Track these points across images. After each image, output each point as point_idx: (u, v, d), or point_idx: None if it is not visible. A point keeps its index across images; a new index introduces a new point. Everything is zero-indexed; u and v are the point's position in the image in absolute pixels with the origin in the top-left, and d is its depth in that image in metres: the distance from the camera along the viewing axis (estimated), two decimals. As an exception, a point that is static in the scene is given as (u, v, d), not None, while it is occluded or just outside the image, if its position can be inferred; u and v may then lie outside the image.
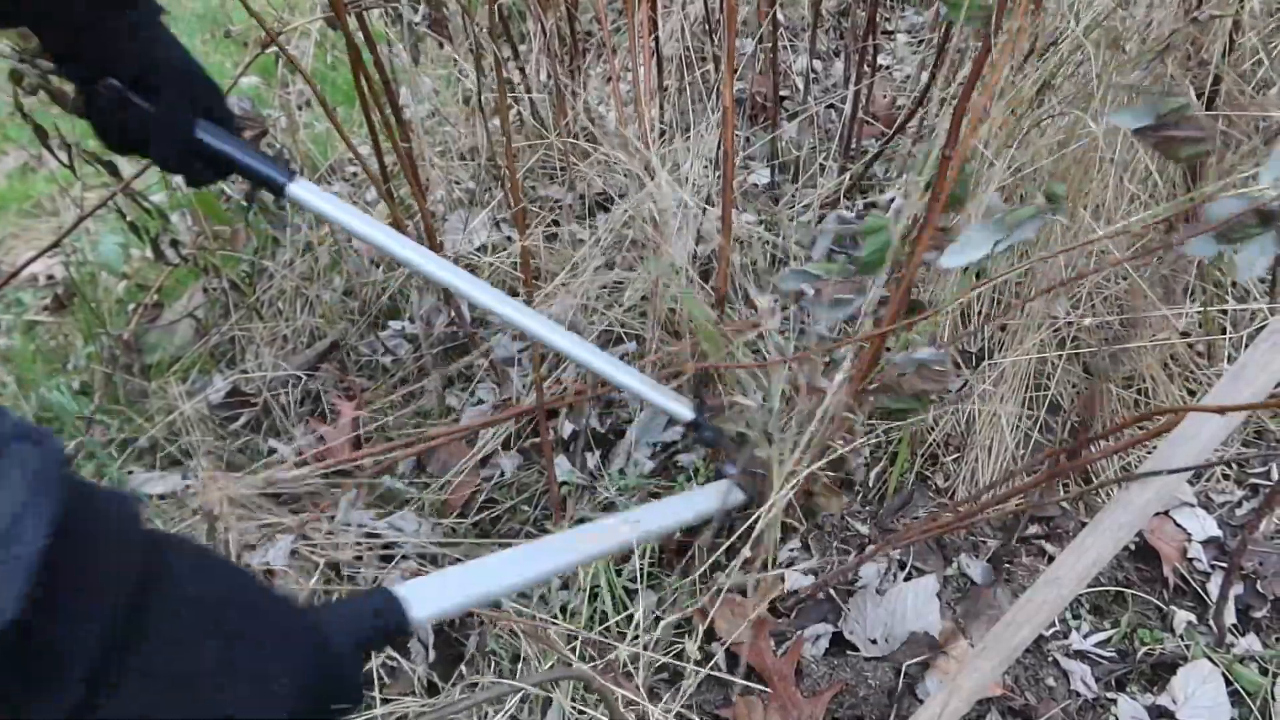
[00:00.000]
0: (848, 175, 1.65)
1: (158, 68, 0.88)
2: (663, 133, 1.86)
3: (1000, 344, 1.31)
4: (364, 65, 1.29)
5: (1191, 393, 1.38)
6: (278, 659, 0.45)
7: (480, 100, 1.88)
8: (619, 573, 1.20)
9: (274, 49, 1.40)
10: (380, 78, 1.32)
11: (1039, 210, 0.89)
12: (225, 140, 0.93)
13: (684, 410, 1.16)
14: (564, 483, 1.36)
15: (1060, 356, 1.28)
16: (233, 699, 0.42)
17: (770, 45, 1.86)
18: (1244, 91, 1.04)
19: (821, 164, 1.97)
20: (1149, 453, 1.33)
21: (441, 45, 1.72)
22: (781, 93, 2.22)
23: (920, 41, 2.50)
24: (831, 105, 2.24)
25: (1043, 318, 1.27)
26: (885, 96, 2.20)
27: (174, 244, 1.43)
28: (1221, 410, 0.69)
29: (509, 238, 1.69)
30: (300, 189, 0.97)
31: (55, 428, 1.53)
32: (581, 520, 1.33)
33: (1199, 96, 1.09)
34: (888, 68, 2.36)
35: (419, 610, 0.60)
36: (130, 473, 1.39)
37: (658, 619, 1.11)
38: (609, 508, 1.31)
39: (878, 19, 1.78)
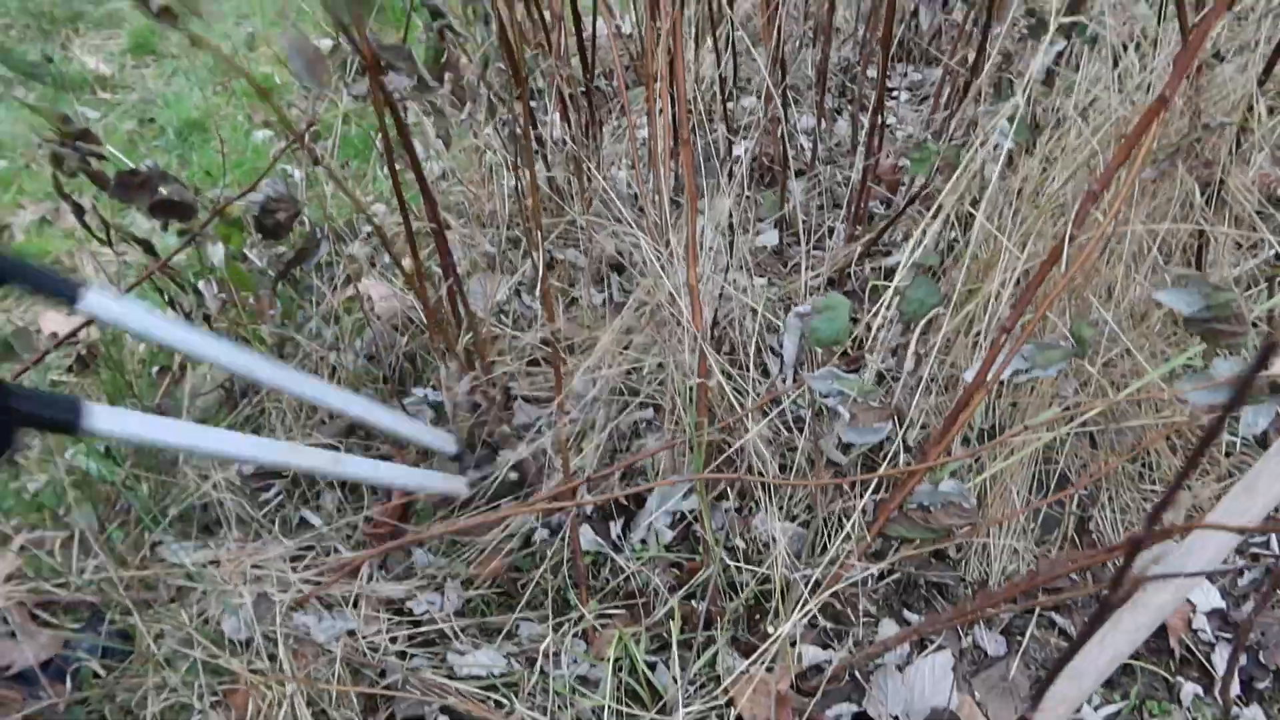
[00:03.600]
0: (857, 246, 1.70)
1: None
2: (674, 201, 1.91)
3: (1011, 420, 1.35)
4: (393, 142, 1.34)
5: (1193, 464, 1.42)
6: None
7: (494, 161, 1.93)
8: (636, 640, 1.25)
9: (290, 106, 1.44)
10: (412, 164, 1.37)
11: (1066, 353, 0.95)
12: (7, 263, 0.91)
13: (447, 446, 1.31)
14: (587, 552, 1.40)
15: (1069, 433, 1.33)
16: None
17: (778, 105, 1.91)
18: (1248, 190, 1.10)
19: (829, 226, 2.03)
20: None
21: (459, 107, 1.76)
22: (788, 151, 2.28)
23: (922, 99, 2.56)
24: (834, 162, 2.30)
25: (1051, 397, 1.32)
26: (888, 157, 2.26)
27: (206, 318, 1.46)
28: (1236, 530, 0.74)
29: (530, 306, 1.74)
30: (96, 301, 0.96)
31: (85, 495, 1.56)
32: (604, 591, 1.36)
33: (1203, 193, 1.14)
34: (890, 126, 2.42)
35: (96, 422, 0.72)
36: (159, 543, 1.42)
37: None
38: (630, 583, 1.35)
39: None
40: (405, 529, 1.38)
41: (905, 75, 2.64)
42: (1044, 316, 1.09)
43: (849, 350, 1.42)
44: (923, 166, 1.33)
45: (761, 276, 1.93)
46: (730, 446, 1.34)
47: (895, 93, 2.57)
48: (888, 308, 1.20)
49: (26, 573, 1.39)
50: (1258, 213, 1.14)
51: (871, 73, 2.63)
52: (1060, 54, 1.21)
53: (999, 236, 1.21)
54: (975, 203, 1.30)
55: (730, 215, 2.01)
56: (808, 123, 2.40)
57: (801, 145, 2.31)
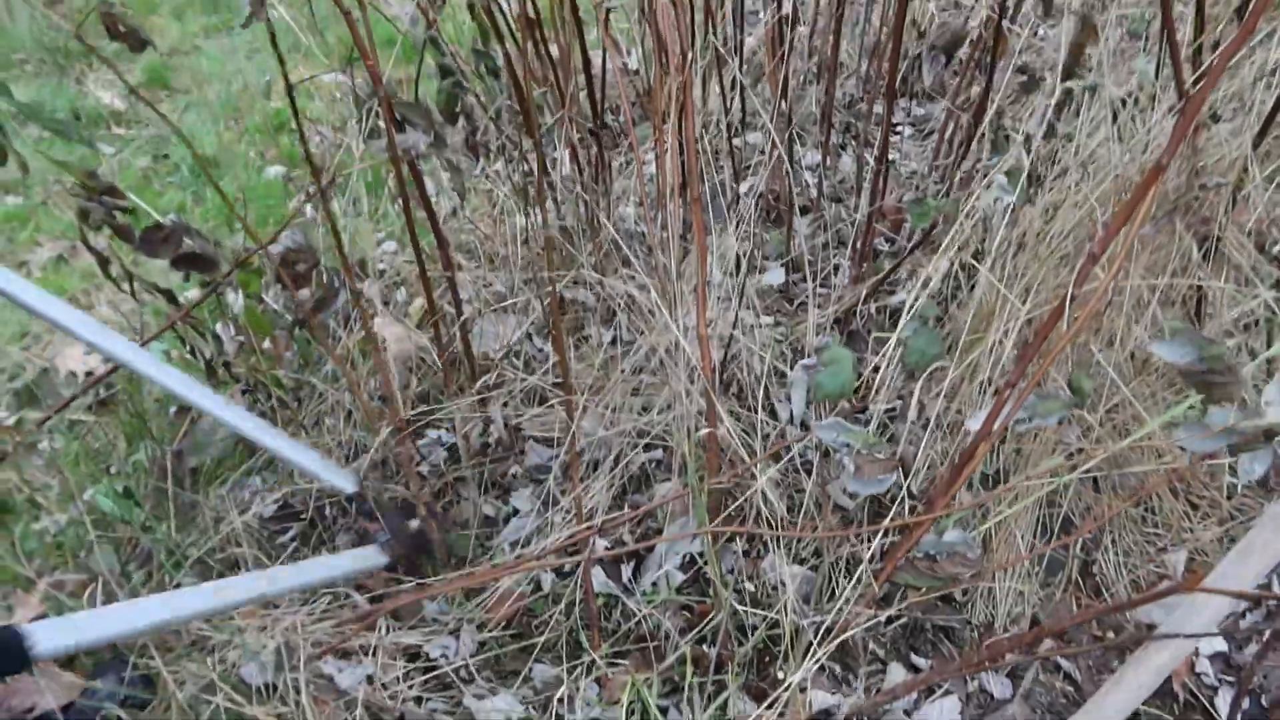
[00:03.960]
0: (862, 289, 1.73)
1: None
2: (683, 238, 1.94)
3: (1016, 466, 1.38)
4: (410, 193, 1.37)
5: (1194, 507, 1.45)
6: None
7: (506, 204, 1.97)
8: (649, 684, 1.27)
9: (301, 135, 1.47)
10: (429, 217, 1.40)
11: (1067, 404, 0.98)
12: None
13: (346, 483, 1.33)
14: (599, 594, 1.42)
15: (1073, 479, 1.35)
16: None
17: (782, 145, 1.94)
18: (1244, 247, 1.13)
19: (835, 264, 2.06)
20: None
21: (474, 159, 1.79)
22: (793, 189, 2.31)
23: (926, 134, 2.60)
24: (839, 199, 2.33)
25: (1054, 443, 1.34)
26: (892, 193, 2.29)
27: (225, 365, 1.49)
28: (1233, 594, 0.76)
29: (540, 348, 1.77)
30: None
31: (107, 534, 1.59)
32: (616, 634, 1.39)
33: (1200, 248, 1.17)
34: (894, 162, 2.46)
35: (44, 646, 0.68)
36: (179, 585, 1.44)
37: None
38: (641, 626, 1.37)
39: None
40: (409, 580, 1.40)
41: (909, 111, 2.68)
42: (1046, 372, 1.12)
43: (852, 401, 1.44)
44: (924, 220, 1.37)
45: (768, 316, 1.96)
46: (740, 496, 1.37)
47: (899, 127, 2.61)
48: (891, 361, 1.23)
49: (49, 615, 1.42)
50: (1253, 268, 1.17)
51: (876, 107, 2.67)
52: (1060, 107, 1.25)
53: (1000, 289, 1.24)
54: (978, 255, 1.33)
55: (737, 255, 2.04)
56: (813, 159, 2.44)
57: (806, 182, 2.34)
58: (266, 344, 1.59)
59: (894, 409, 1.42)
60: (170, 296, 1.44)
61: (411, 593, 1.32)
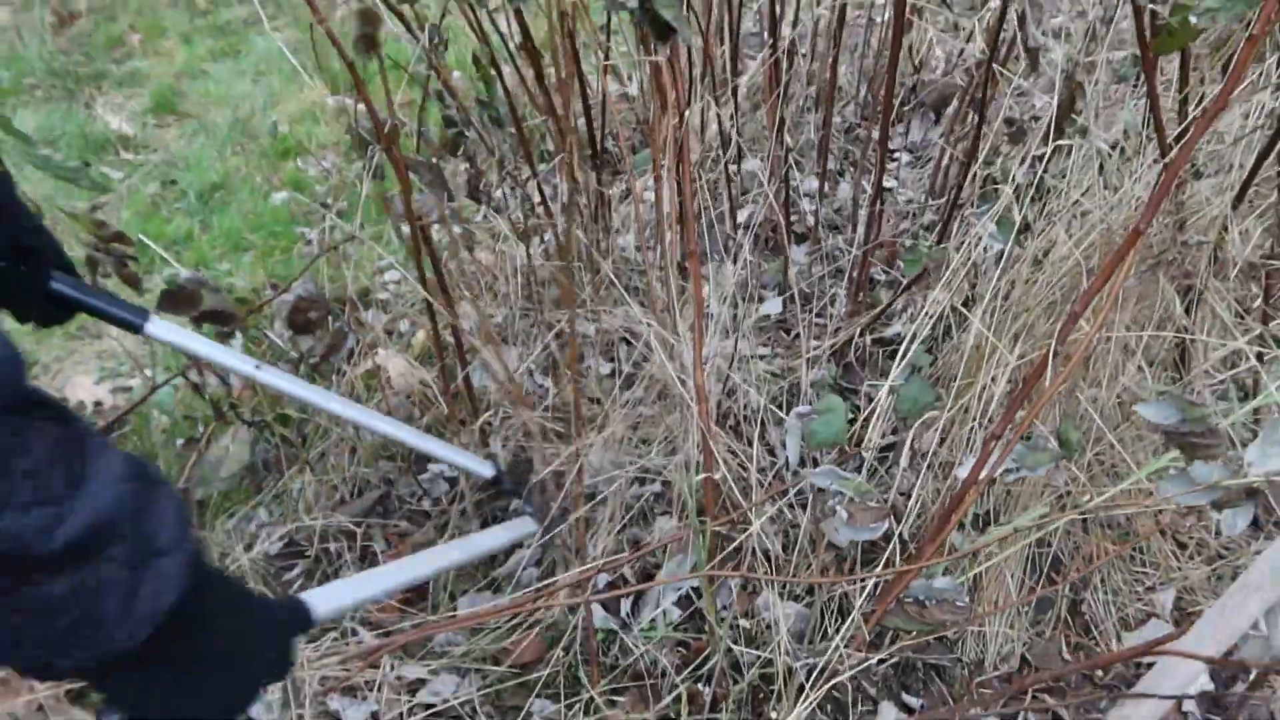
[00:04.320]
0: (856, 326, 1.75)
1: (18, 233, 0.94)
2: (681, 268, 1.97)
3: (1006, 506, 1.41)
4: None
5: (1182, 546, 1.48)
6: (266, 641, 0.68)
7: (506, 237, 2.00)
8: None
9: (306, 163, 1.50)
10: (432, 263, 1.44)
11: (1053, 455, 1.01)
12: (78, 289, 1.01)
13: (484, 469, 1.44)
14: (598, 629, 1.45)
15: (1063, 521, 1.38)
16: (243, 664, 0.64)
17: (780, 169, 1.97)
18: (1225, 300, 1.16)
19: (832, 294, 2.09)
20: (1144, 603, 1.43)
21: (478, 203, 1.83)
22: (790, 217, 2.34)
23: (925, 161, 2.62)
24: (836, 227, 2.36)
25: (1044, 485, 1.37)
26: (890, 222, 2.32)
27: (232, 406, 1.53)
28: (1205, 660, 0.79)
29: (540, 384, 1.80)
30: (159, 327, 1.07)
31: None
32: (613, 669, 1.42)
33: (1182, 299, 1.20)
34: (891, 190, 2.49)
35: (321, 609, 0.82)
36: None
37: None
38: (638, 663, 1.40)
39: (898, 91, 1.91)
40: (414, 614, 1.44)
41: (906, 135, 2.70)
42: (1032, 422, 1.15)
43: (846, 448, 1.47)
44: (916, 266, 1.40)
45: (766, 347, 1.99)
46: (737, 536, 1.40)
47: (896, 154, 2.64)
48: (884, 406, 1.26)
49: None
50: (1237, 316, 1.19)
51: (875, 133, 2.69)
52: (1047, 158, 1.27)
53: (989, 336, 1.27)
54: (969, 302, 1.36)
55: (735, 285, 2.07)
56: (811, 185, 2.46)
57: (804, 210, 2.37)
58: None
59: (887, 453, 1.44)
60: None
61: (414, 630, 1.35)
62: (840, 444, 1.22)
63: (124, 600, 0.50)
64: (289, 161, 2.84)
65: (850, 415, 1.74)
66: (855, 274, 1.99)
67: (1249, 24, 1.11)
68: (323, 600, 0.86)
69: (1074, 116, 1.27)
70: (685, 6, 1.09)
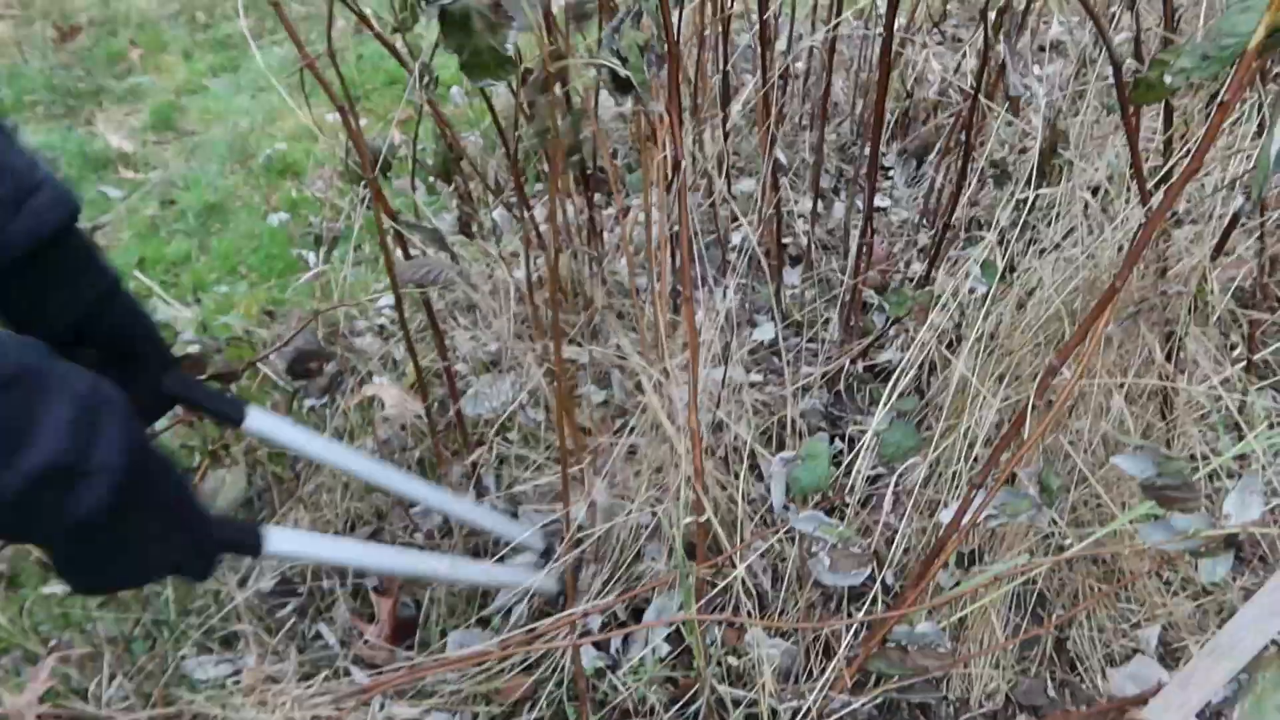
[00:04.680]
0: (845, 359, 1.76)
1: (133, 339, 0.97)
2: (675, 293, 1.98)
3: (991, 546, 1.42)
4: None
5: (1167, 583, 1.49)
6: (190, 533, 0.79)
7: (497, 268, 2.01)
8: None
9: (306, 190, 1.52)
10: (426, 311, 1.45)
11: (1033, 503, 1.02)
12: (185, 387, 1.04)
13: (537, 542, 1.49)
14: (588, 668, 1.46)
15: (1045, 566, 1.39)
16: (168, 543, 0.77)
17: (771, 194, 1.97)
18: (1205, 347, 1.16)
19: (825, 320, 2.10)
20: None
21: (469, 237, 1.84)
22: (784, 240, 2.35)
23: (919, 179, 2.62)
24: (831, 248, 2.37)
25: (1029, 526, 1.38)
26: (885, 243, 2.33)
27: (225, 448, 1.54)
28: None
29: (533, 418, 1.81)
30: (257, 420, 1.09)
31: (112, 596, 1.65)
32: (603, 706, 1.43)
33: (1163, 346, 1.21)
34: (885, 209, 2.49)
35: (275, 545, 0.89)
36: (184, 656, 1.49)
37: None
38: (626, 701, 1.41)
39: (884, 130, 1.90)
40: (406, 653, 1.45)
41: (904, 152, 2.70)
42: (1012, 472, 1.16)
43: (829, 494, 1.48)
44: (900, 309, 1.41)
45: (758, 374, 2.00)
46: (726, 575, 1.41)
47: (890, 172, 2.64)
48: (867, 456, 1.27)
49: (58, 689, 1.47)
50: (1215, 360, 1.20)
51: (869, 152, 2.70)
52: (1030, 203, 1.28)
53: (973, 381, 1.27)
54: (952, 344, 1.37)
55: (728, 311, 2.08)
56: (807, 205, 2.47)
57: (798, 232, 2.38)
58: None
59: (873, 494, 1.46)
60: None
61: (407, 672, 1.37)
62: (823, 490, 1.23)
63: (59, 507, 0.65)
64: (287, 181, 2.86)
65: (838, 450, 1.75)
66: (846, 302, 1.99)
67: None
68: (284, 540, 0.92)
69: (1057, 159, 1.28)
70: (666, 38, 1.10)
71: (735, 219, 2.43)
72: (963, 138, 1.40)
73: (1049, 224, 1.31)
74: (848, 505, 1.41)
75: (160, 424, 1.82)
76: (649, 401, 1.38)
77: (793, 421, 1.75)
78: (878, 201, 2.50)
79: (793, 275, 2.28)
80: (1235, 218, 1.10)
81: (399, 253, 1.48)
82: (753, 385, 1.94)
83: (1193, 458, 1.30)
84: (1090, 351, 1.08)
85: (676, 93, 1.10)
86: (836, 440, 1.81)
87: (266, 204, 2.76)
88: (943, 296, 1.32)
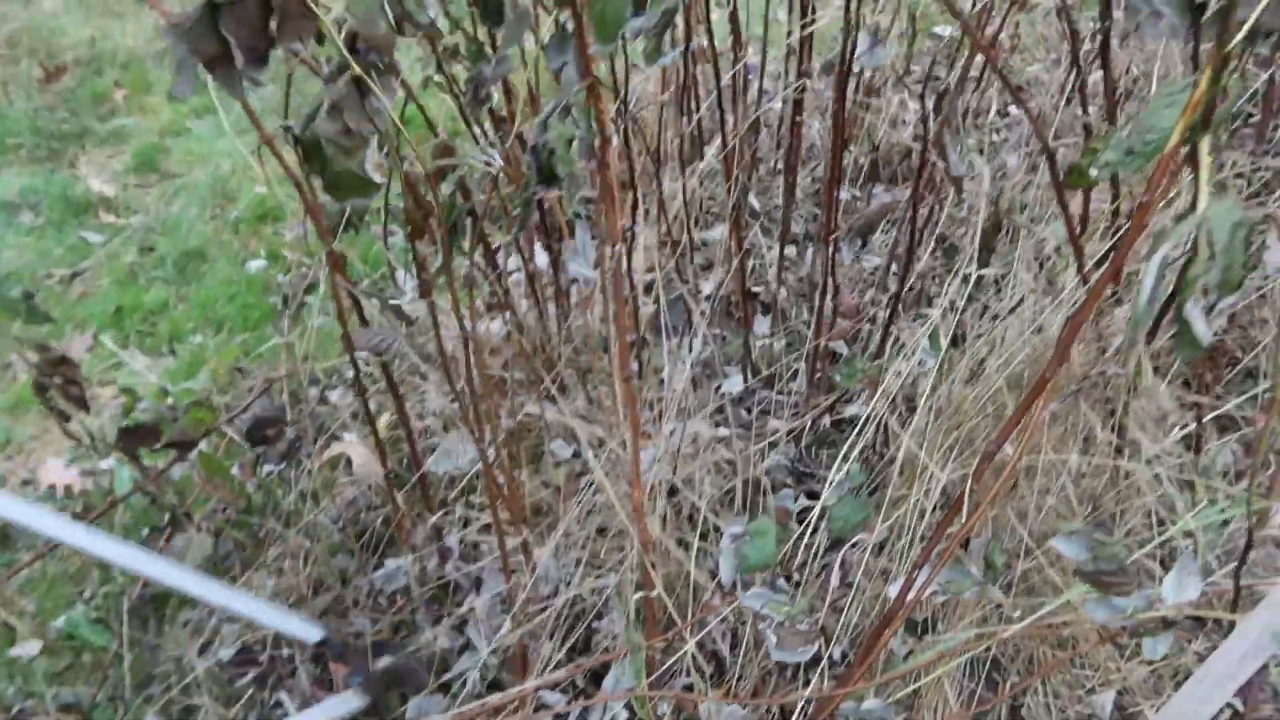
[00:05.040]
0: (808, 415, 1.77)
1: None
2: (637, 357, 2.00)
3: (944, 615, 1.42)
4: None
5: (1122, 649, 1.49)
6: None
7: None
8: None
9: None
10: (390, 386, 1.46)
11: (974, 581, 1.03)
12: None
13: (312, 632, 1.39)
14: (546, 735, 1.47)
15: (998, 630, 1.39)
16: None
17: (738, 246, 1.99)
18: (1144, 427, 1.17)
19: (794, 371, 2.11)
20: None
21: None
22: (755, 288, 2.36)
23: (891, 224, 2.63)
24: (802, 295, 2.38)
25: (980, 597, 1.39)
26: (853, 294, 2.34)
27: (187, 514, 1.55)
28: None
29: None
30: None
31: (75, 659, 1.66)
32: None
33: (1105, 423, 1.22)
34: (857, 257, 2.50)
35: None
36: (145, 724, 1.50)
37: None
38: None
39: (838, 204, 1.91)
40: None
41: (875, 197, 2.72)
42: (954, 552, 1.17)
43: (777, 570, 1.49)
44: (851, 380, 1.42)
45: (725, 428, 2.00)
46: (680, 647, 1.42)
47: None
48: (814, 530, 1.28)
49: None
50: (1154, 434, 1.21)
51: (843, 193, 2.72)
52: (973, 280, 1.30)
53: (921, 456, 1.28)
54: (903, 416, 1.38)
55: (699, 362, 2.09)
56: (777, 253, 2.48)
57: (768, 281, 2.39)
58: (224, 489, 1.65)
59: (830, 563, 1.46)
60: (136, 460, 1.50)
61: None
62: (772, 567, 1.23)
63: None
64: (267, 225, 2.87)
65: (803, 508, 1.76)
66: (811, 357, 2.01)
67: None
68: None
69: (1002, 235, 1.29)
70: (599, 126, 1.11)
71: (709, 266, 2.45)
72: (911, 214, 1.41)
73: (998, 295, 1.32)
74: (803, 574, 1.42)
75: (123, 487, 1.84)
76: (596, 476, 1.39)
77: (756, 481, 1.76)
78: (849, 250, 2.53)
79: (764, 324, 2.29)
80: (1169, 302, 1.11)
81: (361, 315, 1.50)
82: (720, 440, 1.95)
83: (1132, 532, 1.31)
84: (1028, 435, 1.09)
85: (609, 182, 1.11)
86: (803, 497, 1.82)
87: (246, 250, 2.77)
88: (892, 368, 1.33)
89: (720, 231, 2.51)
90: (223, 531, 1.63)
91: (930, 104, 1.21)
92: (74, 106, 3.58)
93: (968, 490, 1.09)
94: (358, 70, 1.00)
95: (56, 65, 3.80)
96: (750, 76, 2.46)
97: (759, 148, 2.61)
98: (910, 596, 1.14)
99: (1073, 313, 1.05)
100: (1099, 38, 1.17)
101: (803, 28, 1.72)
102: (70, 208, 3.00)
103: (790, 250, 2.44)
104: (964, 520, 1.11)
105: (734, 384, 2.11)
